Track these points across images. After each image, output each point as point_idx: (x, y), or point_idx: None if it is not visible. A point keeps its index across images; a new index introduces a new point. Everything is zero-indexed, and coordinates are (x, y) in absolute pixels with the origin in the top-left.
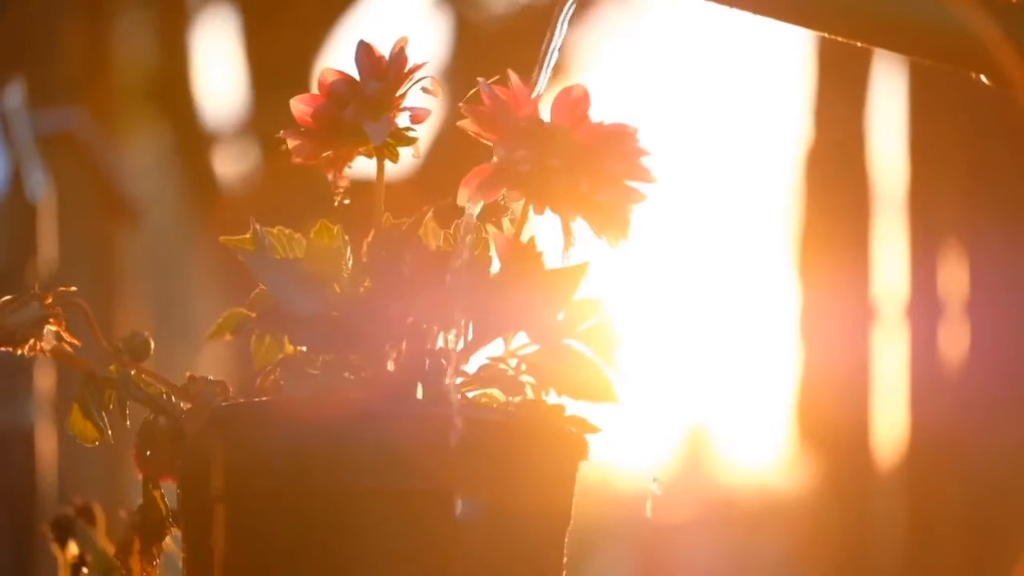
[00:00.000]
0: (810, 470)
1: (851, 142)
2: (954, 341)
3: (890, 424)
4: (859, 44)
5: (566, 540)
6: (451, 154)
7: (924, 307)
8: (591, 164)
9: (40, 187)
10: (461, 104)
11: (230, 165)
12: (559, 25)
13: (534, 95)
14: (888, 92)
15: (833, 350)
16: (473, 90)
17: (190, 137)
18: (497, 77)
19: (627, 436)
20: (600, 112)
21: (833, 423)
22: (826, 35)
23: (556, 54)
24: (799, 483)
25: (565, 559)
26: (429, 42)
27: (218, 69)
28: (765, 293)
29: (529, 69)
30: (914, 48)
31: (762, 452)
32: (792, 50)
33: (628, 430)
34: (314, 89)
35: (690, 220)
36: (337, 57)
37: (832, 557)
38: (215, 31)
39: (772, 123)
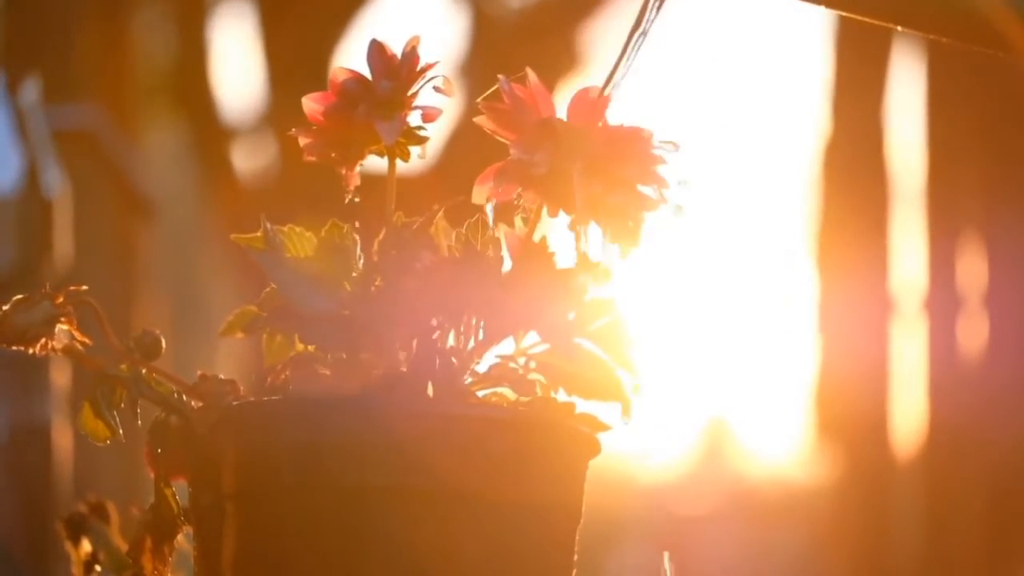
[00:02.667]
0: (829, 463)
1: (870, 134)
2: (973, 333)
3: (909, 416)
4: (886, 24)
5: (576, 538)
6: (466, 150)
7: (943, 299)
8: (606, 167)
9: (56, 183)
10: (479, 101)
11: (247, 160)
12: (647, 16)
13: (607, 92)
14: (907, 84)
15: (852, 343)
16: (492, 88)
17: (206, 133)
18: (521, 74)
19: (646, 429)
20: (617, 114)
21: (852, 416)
22: (845, 14)
23: (638, 48)
24: (818, 476)
25: (576, 557)
26: (446, 37)
27: (235, 64)
28: (784, 286)
29: (547, 64)
30: (936, 27)
31: (781, 445)
32: (810, 42)
33: (647, 424)
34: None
35: (709, 213)
36: (355, 52)
37: (851, 549)
38: (232, 26)
39: (791, 116)
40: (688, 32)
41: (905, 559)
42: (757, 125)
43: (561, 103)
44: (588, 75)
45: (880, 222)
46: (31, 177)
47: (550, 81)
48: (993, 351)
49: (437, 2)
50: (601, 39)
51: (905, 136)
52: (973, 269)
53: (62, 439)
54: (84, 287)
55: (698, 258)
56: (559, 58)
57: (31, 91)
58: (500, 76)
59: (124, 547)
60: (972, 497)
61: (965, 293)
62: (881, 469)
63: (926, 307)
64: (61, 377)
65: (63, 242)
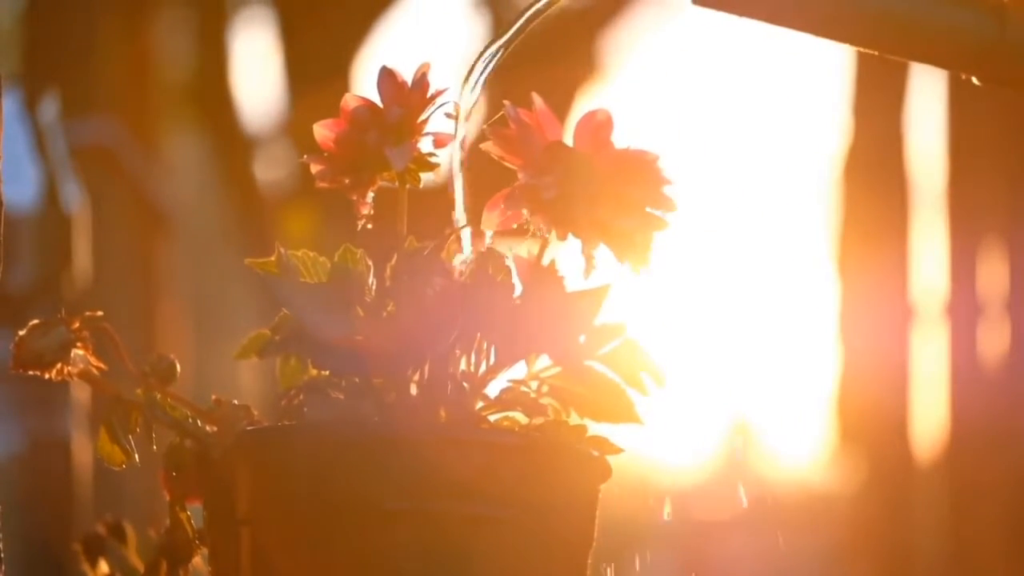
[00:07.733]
0: (851, 467)
1: (890, 140)
2: (993, 338)
3: (930, 420)
4: (858, 47)
5: (588, 562)
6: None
7: (963, 304)
8: (613, 191)
9: (75, 198)
10: (486, 127)
11: (267, 172)
12: None
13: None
14: (927, 90)
15: (873, 347)
16: (498, 114)
17: (226, 145)
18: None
19: (667, 434)
20: (623, 137)
21: (874, 420)
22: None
23: None
24: (840, 480)
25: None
26: (464, 45)
27: (255, 79)
28: (805, 291)
29: (566, 72)
30: (910, 51)
31: (803, 449)
32: (831, 48)
33: (669, 428)
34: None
35: (731, 218)
36: (375, 61)
37: (874, 553)
38: (251, 41)
39: (812, 121)
40: (709, 42)
41: (928, 563)
42: (779, 131)
43: (569, 125)
44: (608, 85)
45: (901, 227)
46: (51, 192)
47: (569, 91)
48: (1014, 355)
49: (456, 11)
50: (621, 48)
51: (926, 141)
52: (994, 273)
53: (82, 453)
54: (100, 312)
55: (720, 264)
56: (579, 67)
57: (50, 107)
58: (506, 102)
59: (141, 568)
60: (994, 501)
61: (986, 297)
62: (903, 473)
63: (947, 312)
64: (82, 393)
65: (83, 257)
